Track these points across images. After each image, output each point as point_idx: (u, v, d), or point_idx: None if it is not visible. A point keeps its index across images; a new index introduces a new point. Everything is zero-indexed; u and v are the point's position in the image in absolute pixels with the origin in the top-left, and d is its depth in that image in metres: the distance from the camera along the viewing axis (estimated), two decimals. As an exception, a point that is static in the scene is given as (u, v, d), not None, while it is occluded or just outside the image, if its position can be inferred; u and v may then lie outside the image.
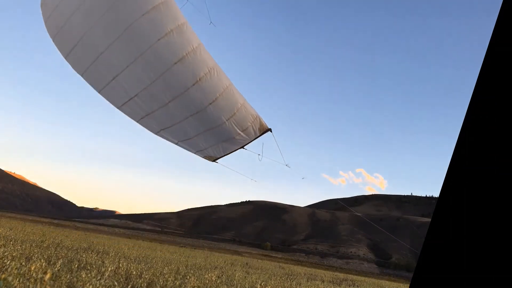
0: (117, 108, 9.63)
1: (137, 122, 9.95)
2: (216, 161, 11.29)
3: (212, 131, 9.83)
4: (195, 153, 11.00)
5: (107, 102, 9.73)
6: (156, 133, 10.26)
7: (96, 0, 7.88)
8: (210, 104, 9.04)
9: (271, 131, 10.44)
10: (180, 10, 8.40)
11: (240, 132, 9.93)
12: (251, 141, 10.41)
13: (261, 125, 10.26)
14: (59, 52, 9.24)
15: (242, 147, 10.53)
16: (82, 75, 9.17)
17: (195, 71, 8.53)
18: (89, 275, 6.33)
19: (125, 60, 8.22)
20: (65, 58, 9.02)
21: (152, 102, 9.02)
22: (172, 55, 8.21)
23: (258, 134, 10.29)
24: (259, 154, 10.74)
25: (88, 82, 9.28)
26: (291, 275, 19.12)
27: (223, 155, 11.00)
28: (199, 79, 8.58)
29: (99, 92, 9.28)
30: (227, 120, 9.53)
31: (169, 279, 7.72)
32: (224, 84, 9.04)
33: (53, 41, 8.94)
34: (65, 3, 8.24)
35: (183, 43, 8.24)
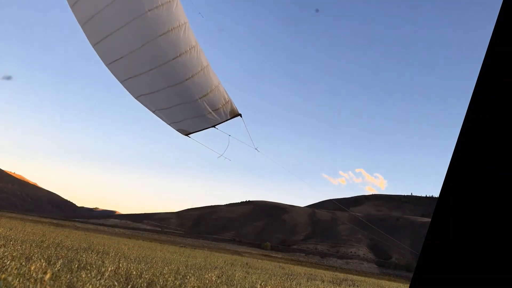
0: (106, 65, 10.27)
1: (122, 82, 10.67)
2: (189, 135, 12.27)
3: (185, 105, 10.63)
4: (169, 124, 11.82)
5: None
6: (136, 98, 11.01)
7: None
8: (187, 80, 9.81)
9: (241, 116, 11.24)
10: None
11: (211, 111, 10.75)
12: (222, 122, 11.28)
13: (232, 109, 11.04)
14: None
15: (214, 126, 11.42)
16: (82, 26, 9.82)
17: (177, 47, 9.24)
18: (89, 275, 6.33)
19: (120, 21, 8.96)
20: (71, 7, 9.57)
21: (137, 66, 9.79)
22: (158, 27, 8.90)
23: (229, 117, 11.15)
24: (229, 135, 11.69)
25: (86, 35, 9.99)
26: (291, 275, 19.13)
27: (195, 131, 11.93)
28: (179, 55, 9.32)
29: (93, 46, 9.94)
30: (199, 98, 10.33)
31: (169, 279, 7.72)
32: (202, 64, 9.77)
33: None
34: None
35: (170, 18, 8.92)
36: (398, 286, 29.65)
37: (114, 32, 9.12)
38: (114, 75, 10.55)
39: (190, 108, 10.80)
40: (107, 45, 9.58)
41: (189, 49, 9.31)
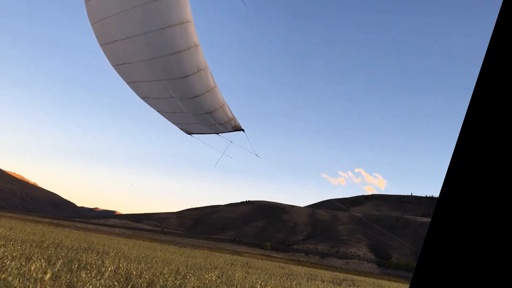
0: (113, 66, 10.41)
1: (127, 83, 10.87)
2: (192, 135, 13.06)
3: (191, 115, 11.22)
4: (173, 123, 12.41)
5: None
6: (142, 98, 11.37)
7: None
8: (192, 98, 10.21)
9: (243, 131, 12.09)
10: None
11: (215, 124, 11.53)
12: (225, 132, 12.15)
13: (235, 125, 11.77)
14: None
15: (216, 133, 12.29)
16: (92, 24, 9.86)
17: (186, 67, 9.40)
18: (89, 275, 6.33)
19: (132, 31, 8.95)
20: (85, 2, 9.55)
21: (144, 74, 10.02)
22: (170, 46, 8.93)
23: (232, 130, 11.99)
24: (231, 141, 12.62)
25: (95, 34, 9.99)
26: (291, 275, 19.12)
27: (199, 133, 12.77)
28: (188, 75, 9.52)
29: (101, 45, 10.01)
30: (205, 113, 10.90)
31: (169, 279, 7.72)
32: (210, 85, 10.08)
33: None
34: None
35: (183, 39, 8.89)
36: (398, 286, 29.64)
37: (125, 39, 9.14)
38: (120, 75, 10.72)
39: (196, 118, 11.34)
40: (116, 49, 9.63)
41: (198, 71, 9.48)
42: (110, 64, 10.34)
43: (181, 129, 12.87)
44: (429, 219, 1.78)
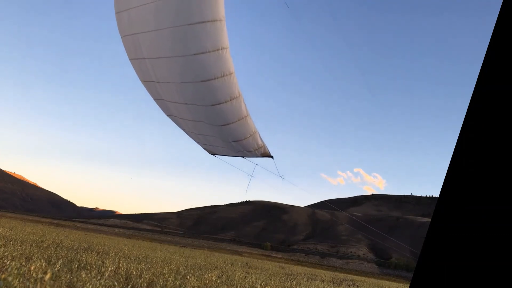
0: (141, 81, 10.13)
1: (155, 100, 10.72)
2: (216, 156, 12.73)
3: (220, 139, 11.00)
4: (198, 142, 12.18)
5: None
6: (168, 115, 11.16)
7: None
8: (223, 125, 9.95)
9: (272, 158, 11.92)
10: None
11: (243, 150, 11.29)
12: (252, 157, 11.95)
13: (264, 152, 11.58)
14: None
15: (243, 157, 12.02)
16: (122, 37, 9.48)
17: (218, 95, 9.00)
18: (89, 275, 6.33)
19: (164, 52, 8.55)
20: (116, 13, 9.13)
21: (173, 95, 9.76)
22: (202, 72, 8.49)
23: (259, 156, 11.77)
24: (256, 164, 12.40)
25: (124, 46, 9.61)
26: (291, 275, 19.12)
27: (224, 155, 12.41)
28: (220, 103, 9.15)
29: (130, 59, 9.66)
30: (233, 141, 10.67)
31: (169, 279, 7.71)
32: (242, 114, 9.76)
33: None
34: None
35: (217, 66, 8.45)
36: (398, 286, 29.65)
37: (156, 59, 8.79)
38: (147, 91, 10.47)
39: (224, 143, 11.14)
40: (145, 66, 9.32)
41: (230, 99, 9.11)
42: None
43: (205, 149, 12.52)
44: (429, 219, 1.78)
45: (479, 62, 1.78)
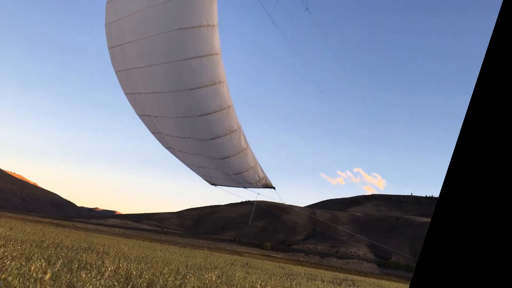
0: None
1: (152, 133, 10.56)
2: (216, 186, 12.52)
3: (221, 174, 10.89)
4: (198, 174, 11.99)
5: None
6: (166, 148, 10.98)
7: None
8: (222, 159, 9.82)
9: (274, 189, 11.92)
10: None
11: (244, 182, 11.19)
12: (253, 188, 11.80)
13: (266, 183, 11.53)
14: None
15: (244, 187, 11.91)
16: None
17: (217, 128, 8.86)
18: (89, 275, 6.33)
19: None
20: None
21: (169, 128, 9.53)
22: (200, 108, 8.36)
23: (261, 187, 11.70)
24: (258, 193, 12.25)
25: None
26: (291, 275, 19.12)
27: (225, 185, 12.32)
28: (218, 137, 9.01)
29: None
30: (234, 174, 10.55)
31: (169, 279, 7.71)
32: (241, 146, 9.63)
33: None
34: None
35: (216, 100, 8.31)
36: (398, 286, 29.64)
37: (151, 93, 8.62)
38: (144, 124, 10.34)
39: (224, 175, 10.99)
40: (141, 100, 9.14)
41: (229, 132, 8.99)
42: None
43: (205, 180, 12.35)
44: (429, 219, 1.78)
45: (479, 62, 1.78)
